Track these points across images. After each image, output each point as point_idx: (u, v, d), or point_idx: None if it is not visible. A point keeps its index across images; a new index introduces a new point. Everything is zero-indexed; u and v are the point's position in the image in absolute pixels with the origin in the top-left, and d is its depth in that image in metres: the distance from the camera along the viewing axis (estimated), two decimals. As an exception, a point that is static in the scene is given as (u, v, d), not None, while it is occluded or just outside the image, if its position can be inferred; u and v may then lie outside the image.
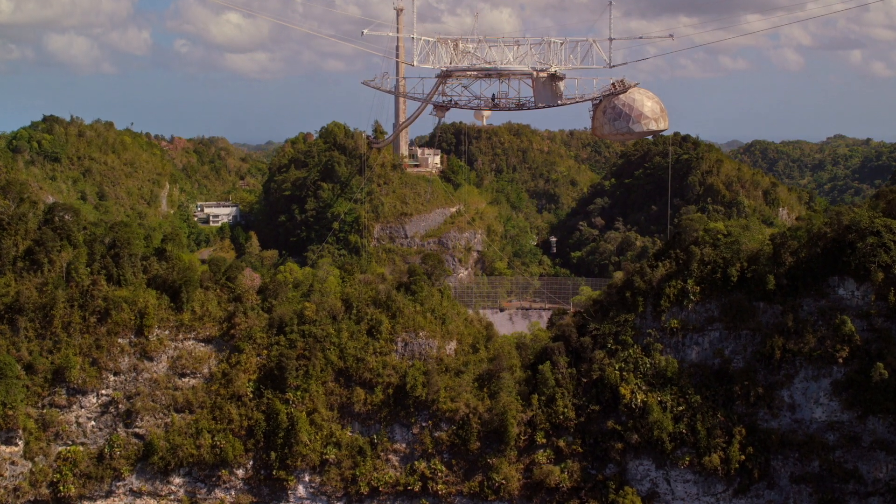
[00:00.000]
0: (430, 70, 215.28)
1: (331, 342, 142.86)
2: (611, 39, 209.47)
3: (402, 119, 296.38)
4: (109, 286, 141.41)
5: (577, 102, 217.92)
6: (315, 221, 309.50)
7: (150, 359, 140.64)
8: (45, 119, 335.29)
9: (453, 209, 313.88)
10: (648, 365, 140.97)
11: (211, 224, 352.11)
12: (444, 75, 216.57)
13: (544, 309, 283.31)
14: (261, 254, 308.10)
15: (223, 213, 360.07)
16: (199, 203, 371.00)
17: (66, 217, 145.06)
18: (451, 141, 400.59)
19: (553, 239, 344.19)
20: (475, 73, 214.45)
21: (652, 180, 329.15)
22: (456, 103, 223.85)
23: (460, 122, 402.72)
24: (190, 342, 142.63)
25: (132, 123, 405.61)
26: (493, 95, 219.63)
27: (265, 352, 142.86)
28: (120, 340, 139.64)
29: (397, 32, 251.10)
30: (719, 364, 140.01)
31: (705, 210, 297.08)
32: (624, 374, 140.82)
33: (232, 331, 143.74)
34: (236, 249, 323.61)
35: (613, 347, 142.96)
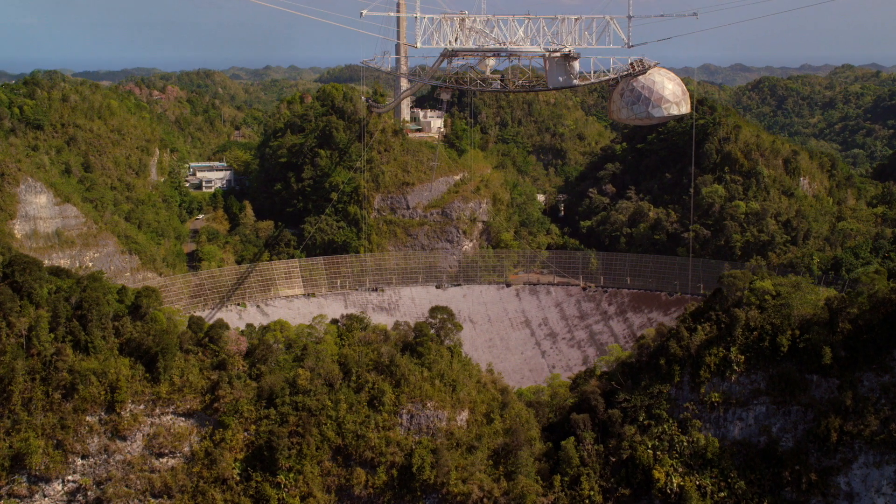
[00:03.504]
0: (435, 49, 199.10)
1: (327, 415, 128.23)
2: (629, 17, 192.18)
3: (403, 87, 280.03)
4: (76, 355, 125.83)
5: (592, 84, 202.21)
6: (312, 191, 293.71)
7: (123, 438, 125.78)
8: (25, 83, 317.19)
9: (457, 177, 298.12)
10: (686, 443, 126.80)
11: (204, 190, 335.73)
12: (449, 55, 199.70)
13: (552, 284, 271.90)
14: (255, 225, 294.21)
15: (216, 178, 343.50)
16: (190, 166, 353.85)
17: (27, 274, 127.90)
18: (455, 93, 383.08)
19: (561, 198, 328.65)
20: (482, 53, 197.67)
21: (666, 146, 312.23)
22: (462, 83, 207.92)
23: (464, 73, 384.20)
24: (168, 417, 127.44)
25: (120, 83, 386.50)
26: (502, 76, 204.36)
27: (253, 427, 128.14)
28: (88, 418, 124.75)
29: (398, 11, 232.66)
30: (766, 443, 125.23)
31: (723, 180, 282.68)
32: (658, 453, 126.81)
33: (215, 403, 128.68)
34: (230, 220, 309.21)
35: (646, 422, 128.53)
